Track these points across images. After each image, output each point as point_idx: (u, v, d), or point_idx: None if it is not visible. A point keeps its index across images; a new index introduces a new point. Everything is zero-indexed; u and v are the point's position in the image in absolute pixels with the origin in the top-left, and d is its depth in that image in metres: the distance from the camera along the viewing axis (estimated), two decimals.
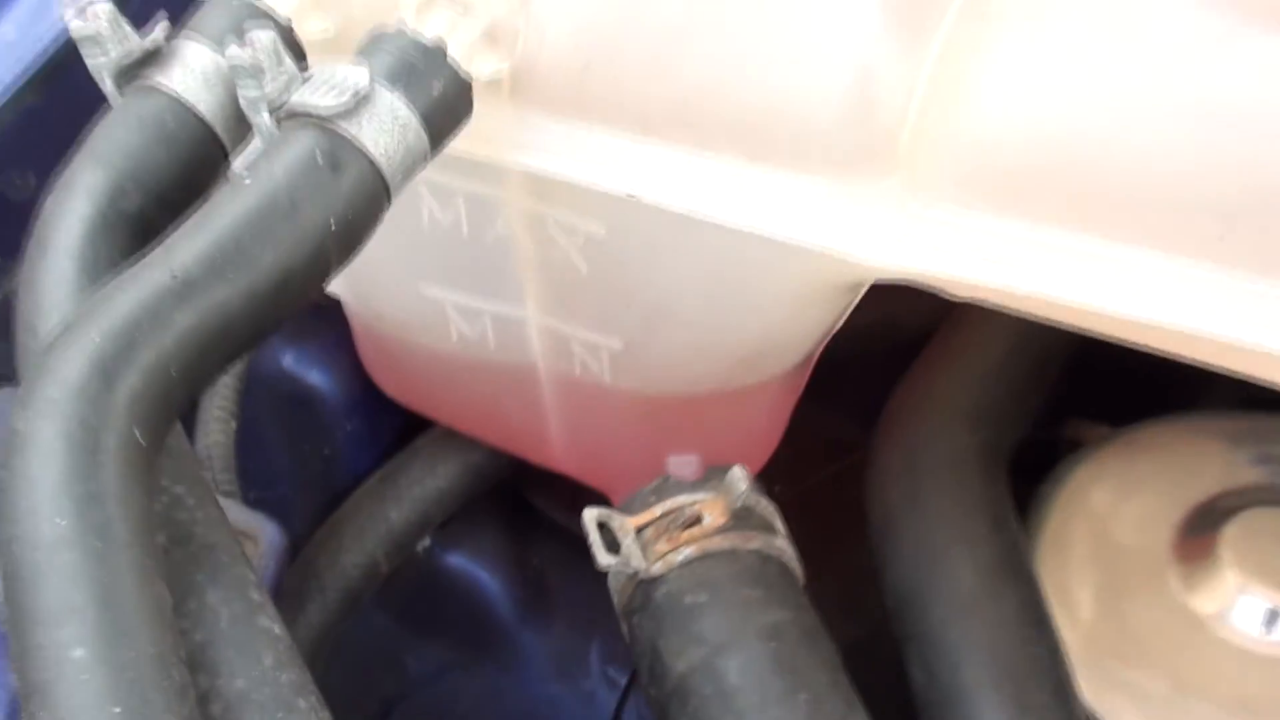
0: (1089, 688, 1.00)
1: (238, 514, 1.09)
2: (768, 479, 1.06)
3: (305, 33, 0.91)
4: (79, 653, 0.60)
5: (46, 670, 0.61)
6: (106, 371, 0.68)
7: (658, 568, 0.95)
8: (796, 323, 0.95)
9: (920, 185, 0.82)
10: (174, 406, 0.72)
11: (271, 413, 1.32)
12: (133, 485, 0.67)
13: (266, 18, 0.89)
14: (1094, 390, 1.19)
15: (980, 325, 1.15)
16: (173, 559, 0.74)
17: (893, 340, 1.18)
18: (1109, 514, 1.09)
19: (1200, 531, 1.04)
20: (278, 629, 0.76)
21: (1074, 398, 1.22)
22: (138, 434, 0.68)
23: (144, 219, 0.83)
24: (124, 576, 0.64)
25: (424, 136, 0.82)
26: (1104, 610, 1.04)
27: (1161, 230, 0.77)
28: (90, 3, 0.86)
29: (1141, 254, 0.78)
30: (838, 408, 1.18)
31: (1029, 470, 1.15)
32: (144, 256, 0.75)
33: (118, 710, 0.60)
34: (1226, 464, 1.10)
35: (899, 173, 0.83)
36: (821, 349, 0.99)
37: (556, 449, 1.19)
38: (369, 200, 0.80)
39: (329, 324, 1.21)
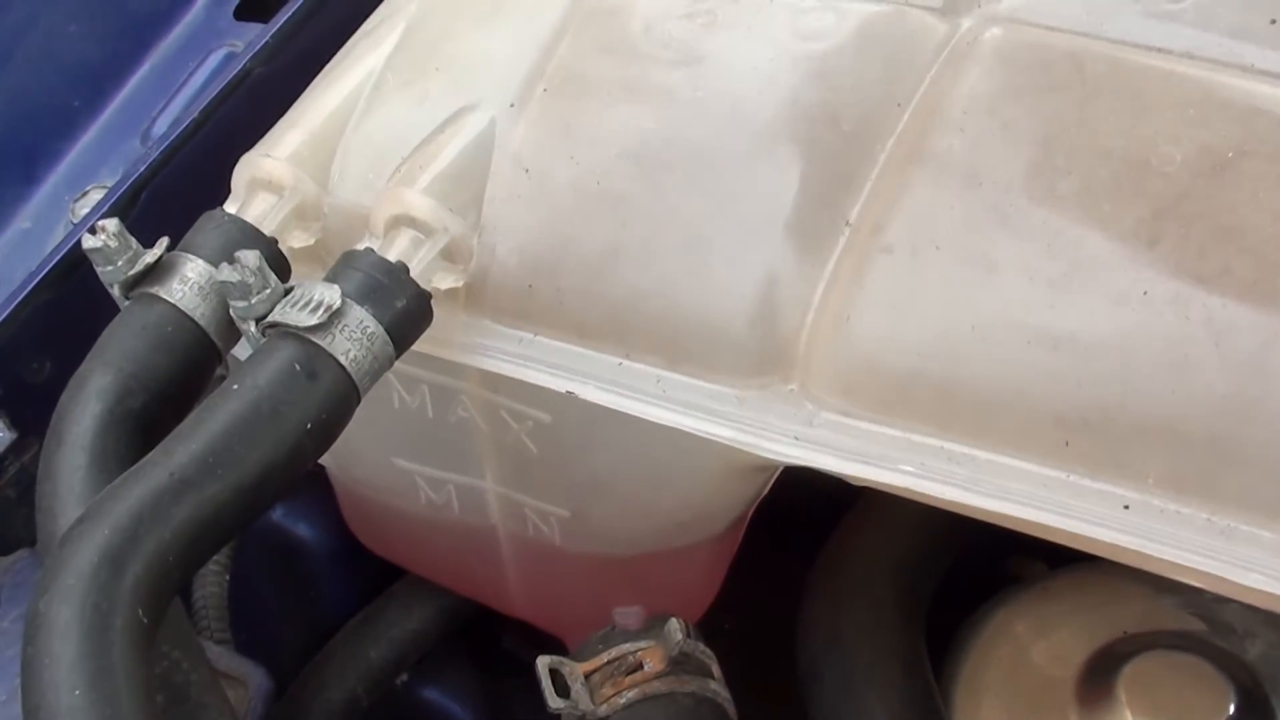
0: None
1: (228, 661, 1.14)
2: (717, 617, 1.11)
3: (288, 242, 1.00)
4: None
5: None
6: (115, 562, 0.76)
7: (603, 710, 0.98)
8: (720, 497, 1.01)
9: (813, 392, 0.91)
10: (173, 587, 0.81)
11: (264, 561, 1.37)
12: (137, 658, 0.75)
13: (255, 234, 0.97)
14: None
15: None
16: (170, 716, 0.83)
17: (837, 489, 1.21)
18: (1025, 650, 1.13)
19: (1103, 671, 1.07)
20: None
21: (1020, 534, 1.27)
22: (141, 614, 0.76)
23: (147, 414, 0.91)
24: None
25: (389, 344, 0.89)
26: None
27: (1015, 438, 0.85)
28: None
29: (999, 457, 0.85)
30: (788, 549, 1.21)
31: (970, 603, 1.18)
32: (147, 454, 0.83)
33: None
34: (1147, 607, 1.12)
35: (796, 380, 0.91)
36: (751, 512, 1.04)
37: (516, 598, 1.24)
38: (341, 402, 0.87)
39: (315, 484, 1.26)
